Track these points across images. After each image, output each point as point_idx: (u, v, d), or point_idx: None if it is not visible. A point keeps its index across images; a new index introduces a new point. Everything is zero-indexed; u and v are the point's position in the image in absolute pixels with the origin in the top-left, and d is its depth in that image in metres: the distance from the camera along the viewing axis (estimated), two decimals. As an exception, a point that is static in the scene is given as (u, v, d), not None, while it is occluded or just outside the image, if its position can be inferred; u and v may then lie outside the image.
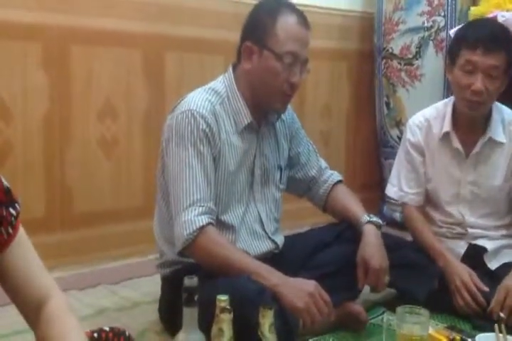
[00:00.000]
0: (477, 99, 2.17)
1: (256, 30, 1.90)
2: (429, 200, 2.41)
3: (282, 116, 2.10)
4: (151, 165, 2.74)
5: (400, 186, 2.41)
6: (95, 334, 1.20)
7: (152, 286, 2.35)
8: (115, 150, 2.70)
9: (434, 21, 3.39)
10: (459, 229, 2.34)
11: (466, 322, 2.13)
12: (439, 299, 2.14)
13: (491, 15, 3.01)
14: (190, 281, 1.32)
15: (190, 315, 1.32)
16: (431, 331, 1.72)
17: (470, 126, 2.28)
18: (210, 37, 2.96)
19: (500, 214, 2.35)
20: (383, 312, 2.13)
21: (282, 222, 2.14)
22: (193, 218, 1.79)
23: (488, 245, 2.29)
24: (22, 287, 1.11)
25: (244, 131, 1.96)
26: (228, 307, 1.36)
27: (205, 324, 1.37)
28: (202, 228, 1.78)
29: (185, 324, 1.33)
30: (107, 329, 1.24)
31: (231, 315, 1.35)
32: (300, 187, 2.21)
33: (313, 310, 1.70)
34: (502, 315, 1.98)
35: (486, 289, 2.12)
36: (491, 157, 2.29)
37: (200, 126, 1.84)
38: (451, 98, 2.35)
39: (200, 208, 1.81)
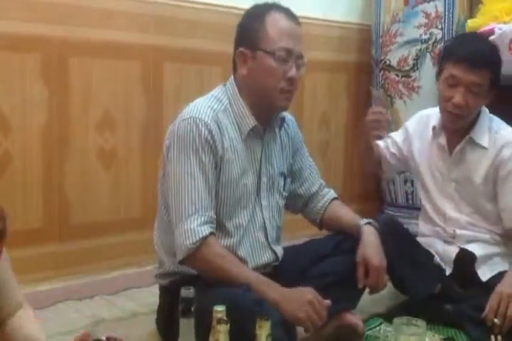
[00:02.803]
0: (457, 112, 2.23)
1: (247, 35, 1.92)
2: (423, 196, 2.46)
3: (287, 128, 2.11)
4: (150, 177, 2.75)
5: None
6: None
7: (150, 297, 2.35)
8: (114, 162, 2.70)
9: (431, 33, 3.40)
10: (448, 230, 2.36)
11: (464, 334, 2.13)
12: (436, 310, 2.14)
13: (487, 28, 3.03)
14: (187, 292, 1.32)
15: (187, 325, 1.32)
16: (428, 342, 1.73)
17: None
18: (208, 48, 2.96)
19: (489, 220, 2.33)
20: (380, 324, 2.14)
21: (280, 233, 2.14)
22: (195, 227, 1.79)
23: (478, 251, 2.29)
24: None
25: (249, 136, 1.95)
26: (225, 318, 1.37)
27: (202, 335, 1.37)
28: (204, 238, 1.79)
29: (182, 335, 1.33)
30: (104, 338, 1.25)
31: (228, 326, 1.36)
32: (298, 202, 2.20)
33: (314, 316, 1.72)
34: (496, 320, 1.99)
35: None
36: (472, 156, 2.33)
37: (202, 134, 1.84)
38: None
39: (202, 217, 1.81)
